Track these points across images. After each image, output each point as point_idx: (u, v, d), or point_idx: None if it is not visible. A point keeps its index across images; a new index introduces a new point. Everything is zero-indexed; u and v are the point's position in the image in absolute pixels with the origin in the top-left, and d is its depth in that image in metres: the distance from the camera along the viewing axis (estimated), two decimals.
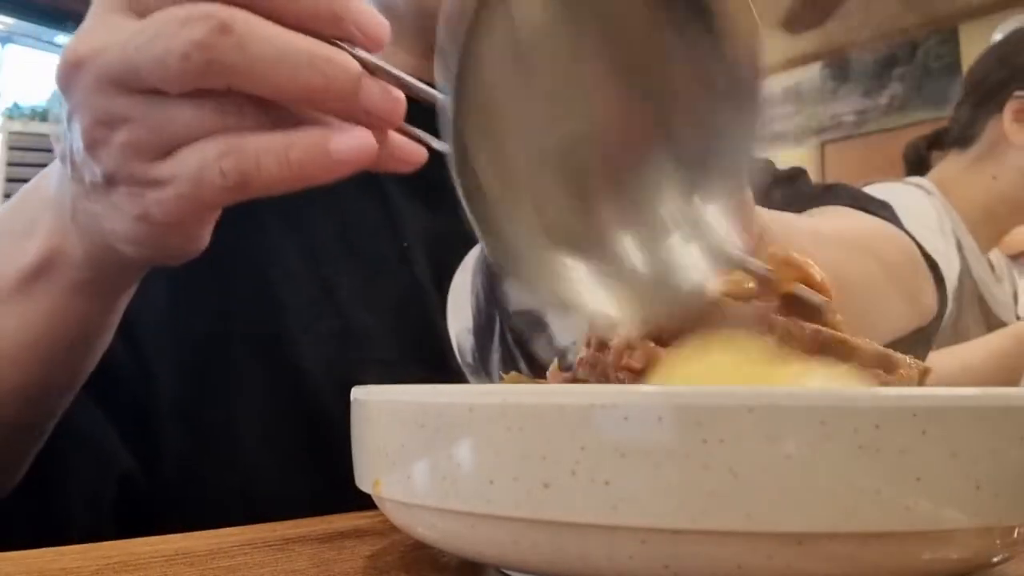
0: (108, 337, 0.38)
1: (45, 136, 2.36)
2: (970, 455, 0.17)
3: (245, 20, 0.25)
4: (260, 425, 0.49)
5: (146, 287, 0.37)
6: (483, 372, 0.54)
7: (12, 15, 3.23)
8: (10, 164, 2.44)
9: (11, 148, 2.46)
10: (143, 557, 0.27)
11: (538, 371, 0.54)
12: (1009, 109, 1.11)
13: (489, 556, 0.20)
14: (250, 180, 0.27)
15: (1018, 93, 1.11)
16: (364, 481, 0.23)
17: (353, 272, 0.52)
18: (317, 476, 0.48)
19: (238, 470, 0.49)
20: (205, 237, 0.32)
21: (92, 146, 0.28)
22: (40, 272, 0.33)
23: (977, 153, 1.15)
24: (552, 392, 0.18)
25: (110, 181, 0.29)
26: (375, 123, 0.27)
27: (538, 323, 0.55)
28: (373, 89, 0.27)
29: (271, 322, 0.50)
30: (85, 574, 0.25)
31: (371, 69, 0.27)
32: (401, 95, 0.28)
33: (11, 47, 3.25)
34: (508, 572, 0.22)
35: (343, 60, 0.26)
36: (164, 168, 0.27)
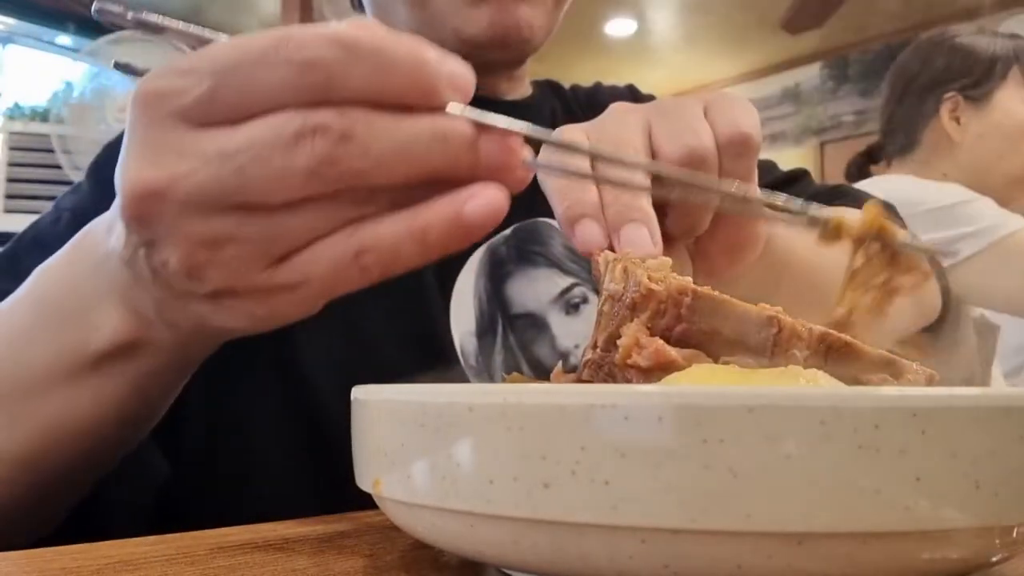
0: (166, 405, 0.37)
1: (45, 136, 2.36)
2: (969, 455, 0.17)
3: (364, 123, 0.24)
4: (265, 425, 0.50)
5: None
6: (486, 374, 0.54)
7: (13, 16, 3.23)
8: (10, 164, 2.44)
9: (11, 148, 2.46)
10: (143, 556, 0.27)
11: (541, 373, 0.54)
12: (944, 110, 1.18)
13: (489, 556, 0.20)
14: (393, 269, 0.26)
15: (948, 94, 1.17)
16: (364, 480, 0.23)
17: None
18: (318, 476, 0.48)
19: (249, 470, 0.49)
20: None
21: (196, 269, 0.26)
22: (118, 355, 0.32)
23: (923, 156, 1.21)
24: (552, 392, 0.18)
25: (226, 294, 0.27)
26: (499, 177, 0.26)
27: (541, 326, 0.55)
28: (491, 148, 0.25)
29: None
30: (85, 573, 0.25)
31: (481, 126, 0.26)
32: (517, 142, 0.26)
33: (12, 47, 3.25)
34: (508, 572, 0.22)
35: (457, 129, 0.25)
36: (293, 272, 0.26)
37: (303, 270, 0.26)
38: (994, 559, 0.19)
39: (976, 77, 1.17)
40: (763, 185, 0.61)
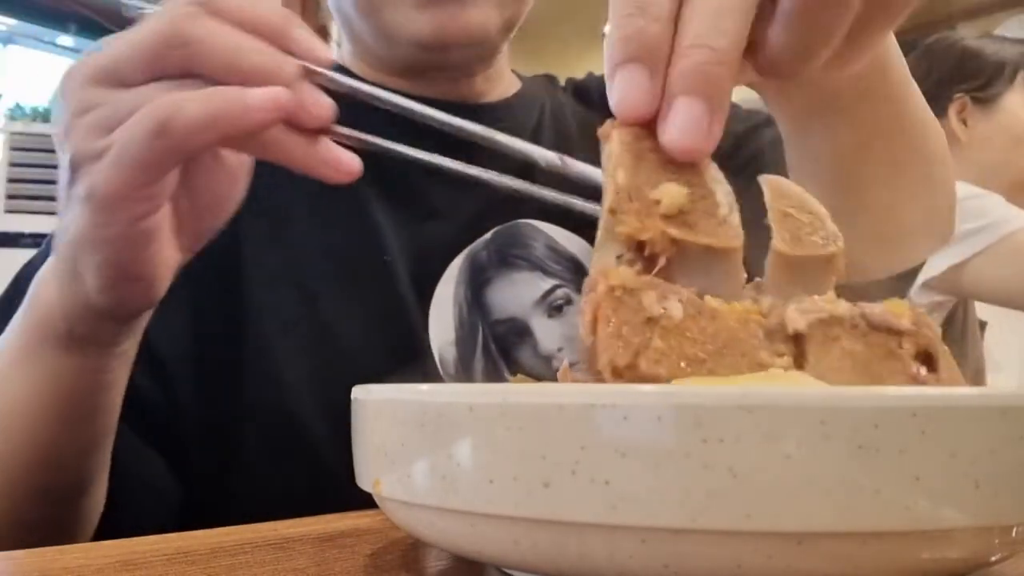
0: (112, 398, 0.39)
1: (46, 136, 2.36)
2: (969, 455, 0.17)
3: (212, 19, 0.30)
4: (251, 438, 0.50)
5: (167, 314, 0.40)
6: (466, 383, 0.53)
7: (13, 16, 3.23)
8: (11, 164, 2.44)
9: (12, 148, 2.47)
10: (144, 556, 0.27)
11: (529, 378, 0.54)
12: (952, 111, 1.18)
13: (489, 555, 0.20)
14: (170, 122, 0.29)
15: (956, 96, 1.18)
16: (364, 480, 0.23)
17: (335, 286, 0.52)
18: (300, 483, 0.48)
19: (242, 476, 0.49)
20: (160, 276, 0.34)
21: (66, 135, 0.31)
22: (34, 338, 0.37)
23: None
24: (552, 392, 0.18)
25: (72, 169, 0.31)
26: (308, 121, 0.31)
27: (523, 330, 0.55)
28: (303, 88, 0.31)
29: (251, 333, 0.50)
30: (86, 573, 0.25)
31: (309, 74, 0.32)
32: (329, 100, 0.32)
33: (12, 48, 3.25)
34: (508, 572, 0.22)
35: (286, 59, 0.31)
36: (107, 139, 0.30)
37: (113, 135, 0.30)
38: (993, 559, 0.19)
39: (985, 80, 1.18)
40: (748, 128, 0.60)
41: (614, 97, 0.24)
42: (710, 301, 0.23)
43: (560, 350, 0.55)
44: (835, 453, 0.16)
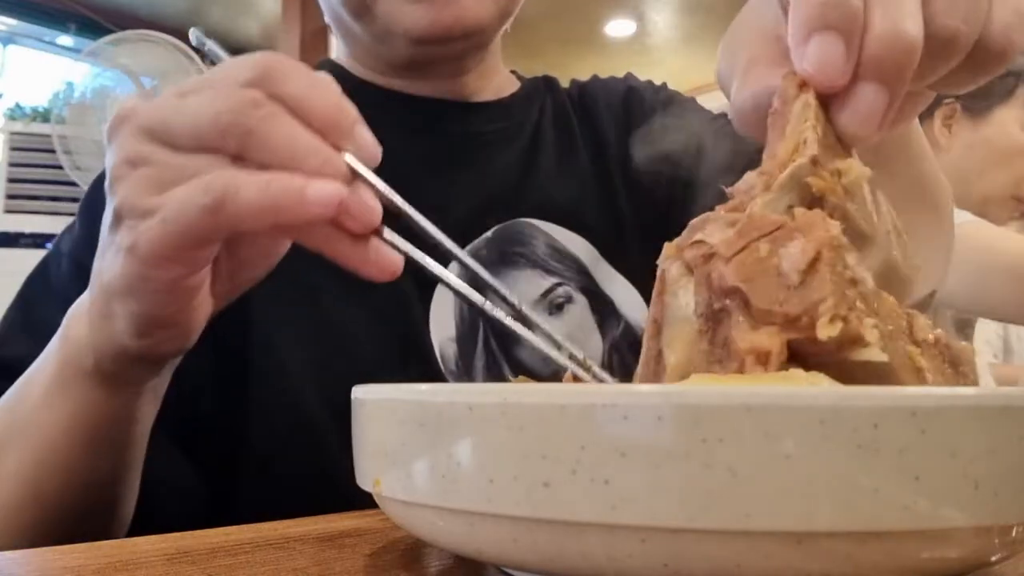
0: (143, 429, 0.40)
1: (46, 137, 2.37)
2: (969, 454, 0.17)
3: (273, 106, 0.30)
4: (257, 431, 0.50)
5: None
6: (466, 379, 0.54)
7: (14, 16, 3.23)
8: (11, 164, 2.44)
9: (12, 148, 2.47)
10: (145, 555, 0.27)
11: (529, 377, 0.54)
12: (939, 115, 1.18)
13: (489, 555, 0.20)
14: (227, 202, 0.29)
15: (947, 101, 1.18)
16: (365, 480, 0.23)
17: (336, 279, 0.52)
18: (306, 478, 0.49)
19: (248, 467, 0.50)
20: (194, 324, 0.34)
21: (114, 181, 0.31)
22: (66, 371, 0.37)
23: None
24: (552, 392, 0.18)
25: (117, 217, 0.31)
26: (356, 228, 0.31)
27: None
28: (358, 190, 0.31)
29: (255, 325, 0.50)
30: (87, 573, 0.25)
31: (359, 177, 0.31)
32: (378, 206, 0.31)
33: (13, 48, 3.25)
34: (508, 571, 0.22)
35: (339, 159, 0.31)
36: (158, 199, 0.30)
37: (165, 198, 0.30)
38: (993, 558, 0.19)
39: (980, 90, 1.19)
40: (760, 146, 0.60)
41: (811, 60, 0.25)
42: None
43: (560, 348, 0.55)
44: (835, 453, 0.16)
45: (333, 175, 0.30)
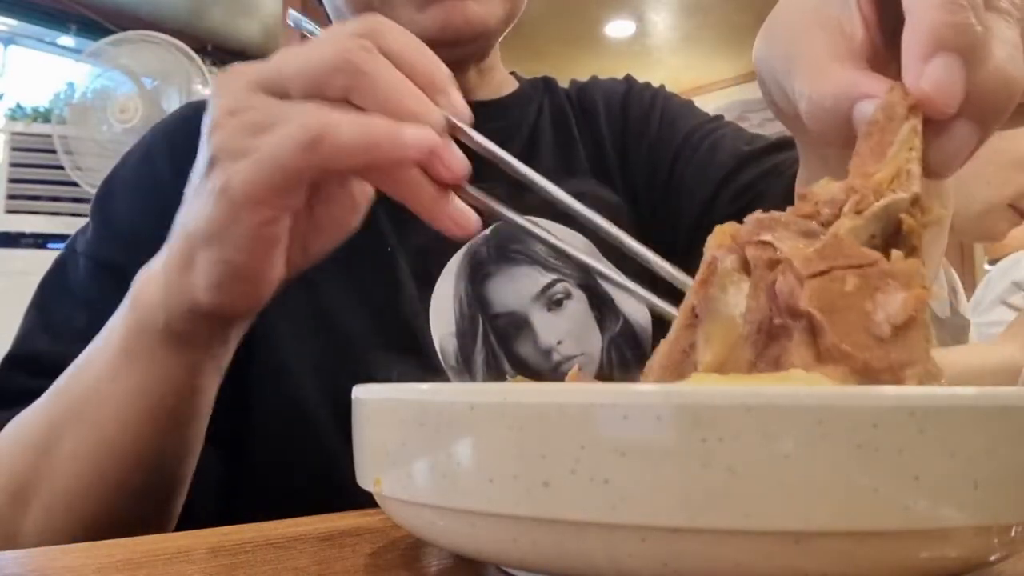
0: (206, 404, 0.40)
1: (47, 137, 2.37)
2: (968, 454, 0.17)
3: (380, 56, 0.31)
4: (258, 427, 0.50)
5: None
6: (467, 373, 0.54)
7: (15, 16, 3.23)
8: (12, 164, 2.44)
9: (13, 149, 2.47)
10: (145, 555, 0.27)
11: (523, 372, 0.54)
12: None
13: (489, 554, 0.20)
14: (325, 138, 0.30)
15: None
16: (365, 479, 0.23)
17: (336, 273, 0.52)
18: (307, 476, 0.49)
19: (248, 462, 0.50)
20: (267, 284, 0.35)
21: (213, 129, 0.32)
22: (133, 337, 0.37)
23: None
24: (552, 391, 0.18)
25: (211, 162, 0.32)
26: (445, 175, 0.32)
27: (523, 324, 0.55)
28: (449, 142, 0.32)
29: (254, 324, 0.50)
30: (87, 572, 0.25)
31: (456, 132, 0.33)
32: (465, 160, 0.33)
33: (13, 48, 3.25)
34: (508, 570, 0.22)
35: (437, 110, 0.32)
36: (255, 140, 0.31)
37: (262, 139, 0.31)
38: (992, 558, 0.19)
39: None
40: (757, 151, 0.60)
41: (931, 81, 0.23)
42: None
43: (560, 343, 0.55)
44: (834, 452, 0.16)
45: (432, 123, 0.31)
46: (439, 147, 0.31)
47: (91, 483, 0.38)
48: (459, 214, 0.33)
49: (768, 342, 0.22)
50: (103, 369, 0.38)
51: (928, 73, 0.23)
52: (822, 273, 0.21)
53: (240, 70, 0.33)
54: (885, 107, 0.24)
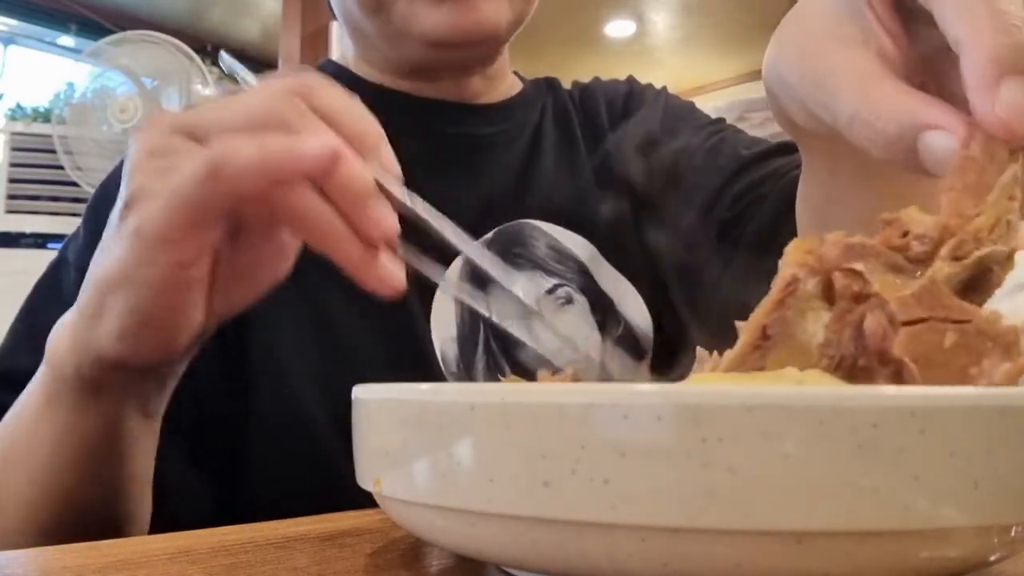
0: (137, 449, 0.39)
1: (47, 137, 2.37)
2: (968, 454, 0.17)
3: (310, 112, 0.31)
4: (257, 433, 0.50)
5: None
6: (467, 379, 0.54)
7: (15, 17, 3.23)
8: (12, 165, 2.44)
9: (13, 149, 2.47)
10: (145, 555, 0.27)
11: (525, 377, 0.54)
12: None
13: (489, 554, 0.20)
14: (224, 165, 0.29)
15: None
16: (365, 479, 0.23)
17: (337, 283, 0.52)
18: (307, 479, 0.49)
19: (248, 467, 0.50)
20: (180, 333, 0.34)
21: (132, 172, 0.32)
22: (51, 386, 0.37)
23: None
24: (552, 391, 0.18)
25: (126, 204, 0.32)
26: (375, 234, 0.31)
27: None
28: (382, 200, 0.32)
29: (254, 324, 0.50)
30: (87, 572, 0.25)
31: (383, 191, 0.32)
32: (395, 219, 0.32)
33: (13, 48, 3.25)
34: (508, 570, 0.22)
35: (366, 167, 0.31)
36: (167, 180, 0.30)
37: (173, 177, 0.31)
38: (992, 558, 0.19)
39: None
40: (758, 154, 0.60)
41: (1008, 106, 0.22)
42: None
43: (561, 349, 0.55)
44: (834, 452, 0.16)
45: (364, 186, 0.31)
46: (344, 155, 0.30)
47: (26, 519, 0.38)
48: (387, 273, 0.32)
49: (847, 380, 0.21)
50: (31, 412, 0.38)
51: (1002, 98, 0.22)
52: (919, 321, 0.20)
53: (165, 115, 0.33)
54: (984, 145, 0.23)
